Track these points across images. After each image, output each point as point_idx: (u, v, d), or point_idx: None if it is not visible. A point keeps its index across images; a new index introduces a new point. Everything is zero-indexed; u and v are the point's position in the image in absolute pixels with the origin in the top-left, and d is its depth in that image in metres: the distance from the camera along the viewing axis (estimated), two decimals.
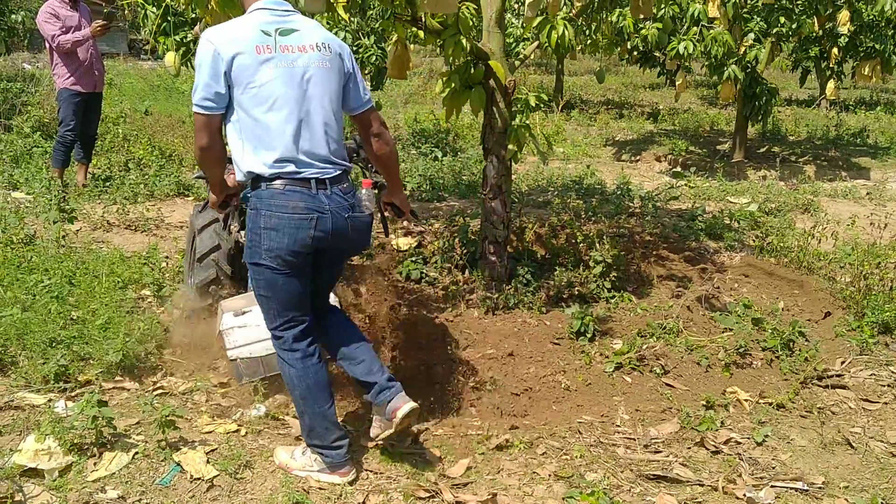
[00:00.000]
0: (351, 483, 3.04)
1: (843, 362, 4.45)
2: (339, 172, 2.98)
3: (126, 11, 9.67)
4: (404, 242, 5.85)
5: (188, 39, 7.93)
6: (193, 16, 8.10)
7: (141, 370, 3.81)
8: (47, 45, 6.98)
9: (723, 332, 4.63)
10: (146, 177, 7.45)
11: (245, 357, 3.53)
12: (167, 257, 5.22)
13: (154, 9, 7.58)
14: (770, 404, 3.96)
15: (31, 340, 3.72)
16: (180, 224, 6.31)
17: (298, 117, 2.88)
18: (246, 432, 3.38)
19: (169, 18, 7.73)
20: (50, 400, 3.41)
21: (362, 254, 5.32)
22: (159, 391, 3.66)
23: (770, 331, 4.55)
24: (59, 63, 6.90)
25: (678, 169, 10.43)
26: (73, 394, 3.51)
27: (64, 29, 6.84)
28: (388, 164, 3.27)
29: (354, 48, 9.37)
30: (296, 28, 2.93)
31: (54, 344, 3.73)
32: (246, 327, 3.57)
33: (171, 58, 3.87)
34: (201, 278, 4.19)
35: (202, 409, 3.55)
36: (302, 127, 2.89)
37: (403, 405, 3.03)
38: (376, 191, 3.31)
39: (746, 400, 4.00)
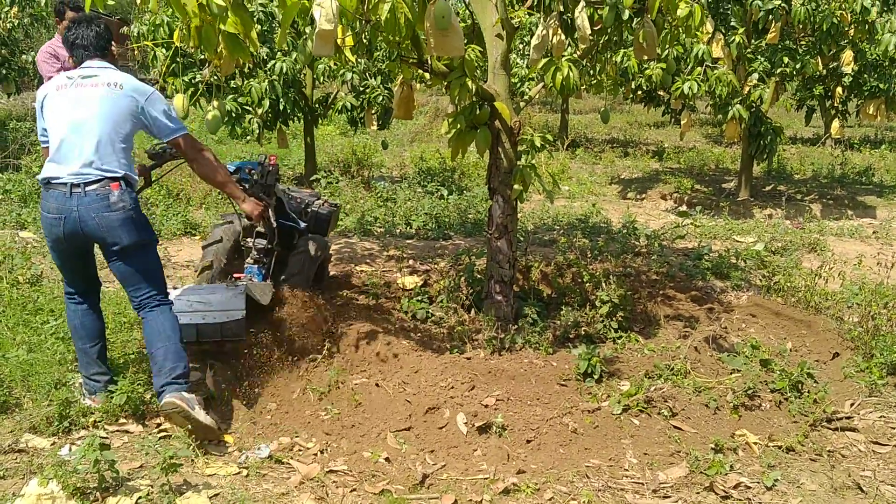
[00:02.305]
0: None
1: (852, 404, 4.41)
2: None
3: (136, 52, 9.81)
4: (410, 281, 5.84)
5: (196, 80, 8.04)
6: (202, 57, 8.23)
7: (145, 412, 3.79)
8: None
9: (731, 374, 4.59)
10: (153, 216, 7.48)
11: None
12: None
13: (164, 50, 7.70)
14: (779, 447, 3.91)
15: (36, 382, 3.71)
16: (187, 263, 6.32)
17: None
18: (249, 475, 3.35)
19: (178, 60, 7.84)
20: (53, 443, 3.39)
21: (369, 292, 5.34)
22: (162, 433, 3.64)
23: (778, 372, 4.51)
24: None
25: (684, 207, 10.44)
26: (76, 437, 3.49)
27: (62, 70, 6.87)
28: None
29: (361, 88, 9.47)
30: None
31: (59, 386, 3.72)
32: (187, 299, 4.13)
33: (179, 101, 3.91)
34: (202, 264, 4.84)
35: (205, 452, 3.52)
36: None
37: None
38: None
39: (755, 443, 3.96)
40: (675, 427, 4.08)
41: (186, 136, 3.77)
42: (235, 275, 4.67)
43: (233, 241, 4.91)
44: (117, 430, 3.60)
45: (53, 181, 3.53)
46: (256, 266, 4.66)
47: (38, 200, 7.79)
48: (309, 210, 5.29)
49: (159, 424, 3.73)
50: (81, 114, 3.54)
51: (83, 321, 3.79)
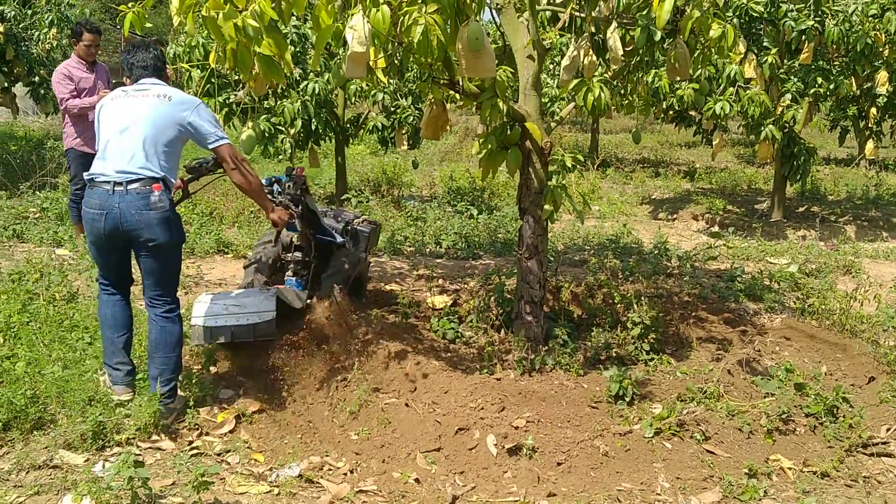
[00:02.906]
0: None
1: (888, 429, 4.33)
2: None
3: (171, 72, 9.97)
4: (439, 301, 5.85)
5: (230, 101, 8.15)
6: (236, 78, 8.34)
7: (177, 429, 3.82)
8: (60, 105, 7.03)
9: (764, 397, 4.53)
10: (187, 234, 7.56)
11: (197, 325, 4.35)
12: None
13: (199, 71, 7.81)
14: (814, 473, 3.85)
15: (71, 399, 3.76)
16: (219, 281, 6.38)
17: None
18: (280, 493, 3.36)
19: (213, 80, 7.95)
20: (87, 459, 3.43)
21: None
22: (194, 451, 3.66)
23: (813, 396, 4.45)
24: (69, 123, 6.99)
25: (716, 228, 10.36)
26: (110, 453, 3.52)
27: (76, 91, 6.94)
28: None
29: (392, 108, 9.53)
30: None
31: (93, 402, 3.76)
32: (202, 304, 4.45)
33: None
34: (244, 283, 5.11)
35: (237, 470, 3.54)
36: None
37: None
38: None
39: (790, 468, 3.90)
40: (707, 451, 4.03)
41: (229, 145, 4.01)
42: (276, 286, 4.87)
43: (271, 259, 5.17)
44: (150, 447, 3.63)
45: (98, 179, 3.81)
46: (295, 278, 4.96)
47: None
48: (349, 227, 5.48)
49: (191, 441, 3.76)
50: (128, 119, 3.86)
51: (113, 311, 4.04)
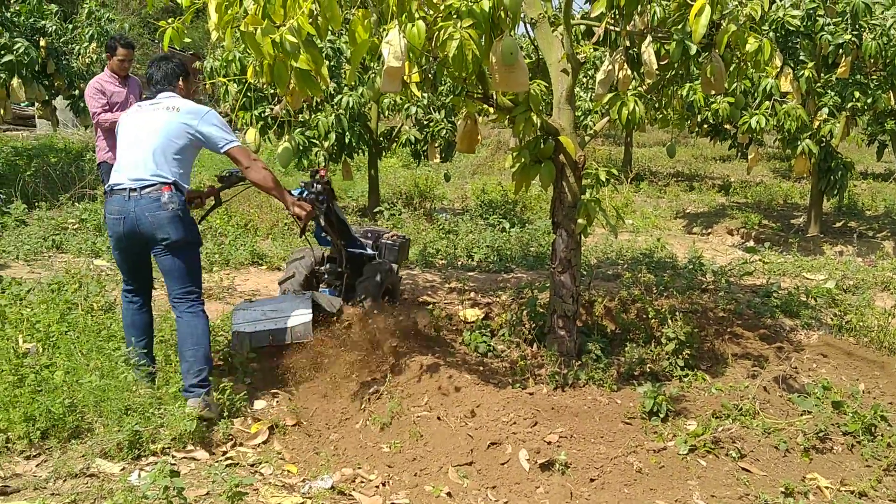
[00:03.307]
0: None
1: None
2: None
3: (207, 86, 10.12)
4: (471, 314, 5.84)
5: (266, 114, 8.25)
6: (272, 92, 8.45)
7: (212, 440, 3.85)
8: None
9: (801, 415, 4.46)
10: (222, 246, 7.65)
11: (237, 331, 4.55)
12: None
13: (235, 85, 7.92)
14: (852, 492, 3.79)
15: (108, 408, 3.80)
16: (253, 292, 6.44)
17: None
18: None
19: (249, 94, 8.06)
20: (123, 468, 3.47)
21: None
22: (228, 461, 3.69)
23: (851, 414, 4.38)
24: (101, 137, 7.09)
25: (751, 243, 10.25)
26: (145, 463, 3.56)
27: (108, 105, 7.03)
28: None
29: (425, 122, 9.58)
30: None
31: (129, 412, 3.81)
32: (241, 311, 4.69)
33: (251, 134, 4.05)
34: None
35: (270, 481, 3.56)
36: None
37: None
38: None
39: (827, 487, 3.84)
40: (743, 469, 3.98)
41: (238, 146, 4.18)
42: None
43: (305, 273, 5.32)
44: (185, 457, 3.66)
45: (116, 187, 4.05)
46: (329, 288, 5.19)
47: None
48: (379, 242, 5.64)
49: (225, 452, 3.79)
50: (142, 131, 4.12)
51: (133, 318, 4.30)
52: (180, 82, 4.35)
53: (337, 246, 5.22)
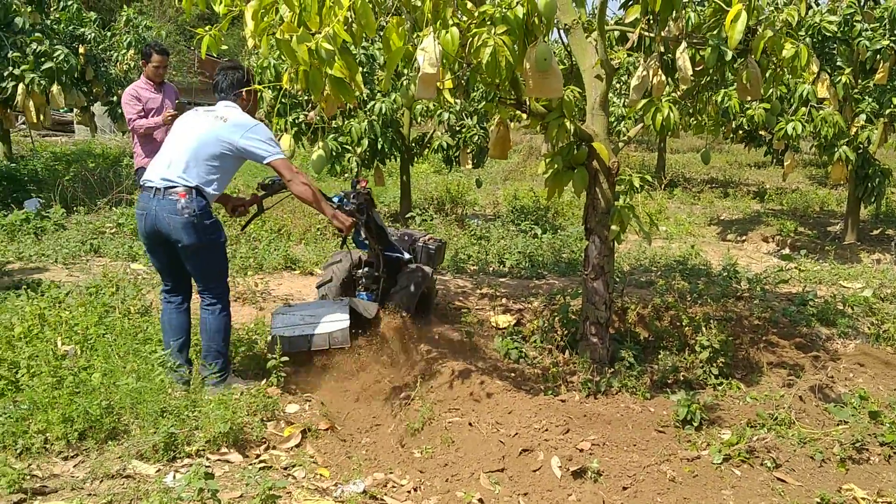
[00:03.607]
0: None
1: None
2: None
3: (242, 92, 10.22)
4: (503, 320, 5.83)
5: (300, 121, 8.31)
6: (305, 98, 8.52)
7: (245, 442, 3.88)
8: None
9: (837, 425, 4.40)
10: (255, 250, 7.72)
11: (276, 335, 4.58)
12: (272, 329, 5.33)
13: (269, 91, 7.99)
14: (888, 503, 3.71)
15: (144, 410, 3.85)
16: (287, 296, 6.48)
17: None
18: None
19: (283, 101, 8.13)
20: (159, 470, 3.51)
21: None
22: (262, 465, 3.71)
23: (888, 424, 4.31)
24: (138, 143, 7.18)
25: (787, 250, 10.13)
26: (180, 465, 3.60)
27: (144, 112, 7.12)
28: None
29: (457, 128, 9.60)
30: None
31: (165, 414, 3.85)
32: (280, 315, 4.77)
33: (286, 141, 4.10)
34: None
35: (302, 485, 3.58)
36: None
37: None
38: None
39: (863, 498, 3.78)
40: (778, 479, 3.93)
41: (282, 159, 4.29)
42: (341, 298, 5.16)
43: (343, 277, 5.41)
44: (219, 460, 3.69)
45: (146, 184, 4.23)
46: (366, 292, 5.25)
47: None
48: (416, 245, 5.71)
49: (258, 455, 3.82)
50: (184, 134, 4.30)
51: (170, 318, 4.45)
52: (243, 93, 4.46)
53: (375, 251, 5.29)
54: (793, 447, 4.16)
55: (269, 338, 4.76)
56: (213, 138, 4.23)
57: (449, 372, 4.66)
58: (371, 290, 5.27)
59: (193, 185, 4.17)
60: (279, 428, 4.11)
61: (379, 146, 8.93)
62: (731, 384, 4.84)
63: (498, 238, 8.98)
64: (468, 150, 9.75)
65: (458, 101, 9.02)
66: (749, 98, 4.90)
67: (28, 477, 3.34)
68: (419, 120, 10.06)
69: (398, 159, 10.22)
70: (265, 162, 4.26)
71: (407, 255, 5.53)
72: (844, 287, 7.55)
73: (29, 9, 9.88)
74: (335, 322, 4.66)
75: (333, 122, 8.91)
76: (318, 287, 5.47)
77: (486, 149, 9.60)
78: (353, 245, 5.43)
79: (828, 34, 8.82)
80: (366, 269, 5.30)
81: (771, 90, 7.66)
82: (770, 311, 5.97)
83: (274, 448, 3.93)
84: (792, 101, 9.02)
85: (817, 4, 9.25)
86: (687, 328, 5.33)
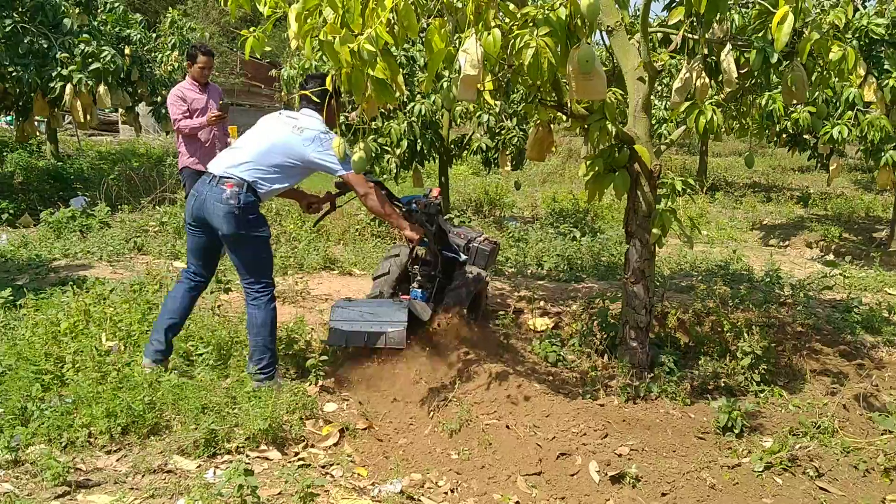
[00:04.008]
0: None
1: None
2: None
3: (283, 93, 10.32)
4: (541, 323, 5.81)
5: (341, 122, 8.35)
6: (348, 99, 8.55)
7: (284, 440, 3.91)
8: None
9: (882, 434, 4.31)
10: (295, 250, 7.79)
11: (335, 328, 4.76)
12: (312, 329, 5.38)
13: (318, 98, 8.04)
14: None
15: (185, 406, 3.91)
16: (326, 297, 6.53)
17: None
18: None
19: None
20: (199, 466, 3.55)
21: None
22: (300, 462, 3.74)
23: None
24: (182, 143, 7.27)
25: (831, 256, 9.95)
26: (220, 461, 3.64)
27: (189, 112, 7.20)
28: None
29: (497, 130, 9.58)
30: None
31: (206, 410, 3.90)
32: (340, 309, 4.88)
33: (337, 143, 4.10)
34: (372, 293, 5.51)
35: (340, 483, 3.60)
36: None
37: None
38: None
39: None
40: (820, 488, 3.85)
41: (350, 175, 4.39)
42: (402, 296, 5.32)
43: (398, 272, 5.54)
44: (258, 457, 3.73)
45: (209, 170, 4.42)
46: (420, 290, 5.32)
47: None
48: (471, 245, 5.71)
49: (297, 453, 3.85)
50: (260, 136, 4.46)
51: (174, 295, 4.58)
52: (327, 105, 4.49)
53: (434, 251, 5.38)
54: (836, 456, 4.08)
55: (329, 330, 4.85)
56: (284, 148, 4.37)
57: (486, 374, 4.65)
58: (425, 288, 5.35)
59: (248, 181, 4.30)
60: (317, 426, 4.14)
61: (418, 147, 8.94)
62: (773, 391, 4.77)
63: (536, 241, 8.95)
64: (507, 153, 9.72)
65: (497, 102, 9.02)
66: (795, 101, 4.82)
67: (72, 470, 3.41)
68: (458, 122, 10.05)
69: (437, 161, 10.23)
70: (337, 175, 4.47)
71: (463, 256, 5.58)
72: (890, 294, 7.40)
73: (77, 10, 10.07)
74: (393, 323, 4.75)
75: (373, 123, 8.94)
76: (375, 279, 5.61)
77: (525, 151, 9.57)
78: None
79: (875, 37, 8.63)
80: (422, 266, 5.41)
81: (817, 93, 7.55)
82: (813, 317, 5.87)
83: (312, 446, 3.96)
84: (838, 104, 8.85)
85: (864, 7, 9.07)
86: (728, 334, 5.26)
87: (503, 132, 9.56)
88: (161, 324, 4.48)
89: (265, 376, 4.35)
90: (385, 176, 9.03)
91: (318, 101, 4.39)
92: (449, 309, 5.19)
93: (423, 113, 8.56)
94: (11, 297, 5.33)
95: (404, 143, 8.69)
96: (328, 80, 3.62)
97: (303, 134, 4.37)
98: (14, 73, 8.74)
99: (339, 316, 4.84)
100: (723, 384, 4.79)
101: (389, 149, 8.86)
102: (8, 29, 8.61)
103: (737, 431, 4.20)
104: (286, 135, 4.39)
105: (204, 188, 4.33)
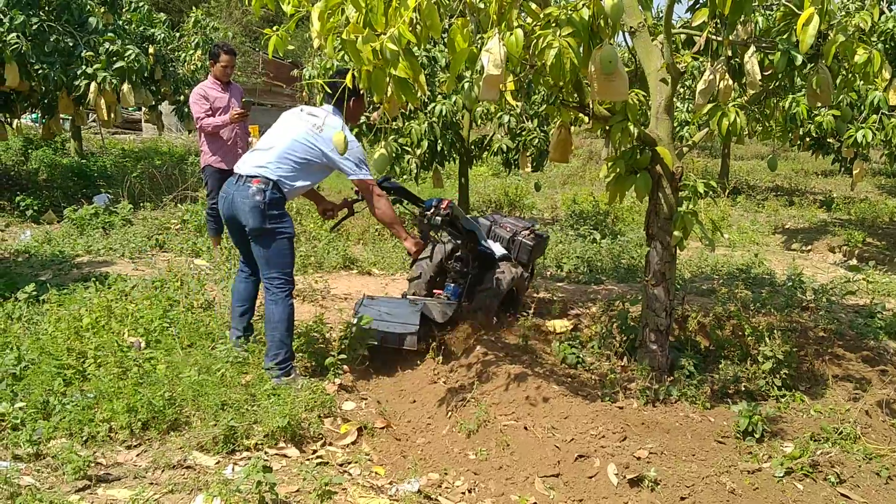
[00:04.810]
0: None
1: None
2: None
3: (304, 92, 10.36)
4: (560, 325, 5.79)
5: (361, 122, 8.37)
6: (368, 99, 8.58)
7: (303, 438, 3.93)
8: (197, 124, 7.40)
9: None
10: (315, 249, 7.81)
11: (353, 323, 4.90)
12: (331, 328, 5.40)
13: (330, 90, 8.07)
14: None
15: (205, 402, 3.93)
16: (345, 296, 6.55)
17: None
18: None
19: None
20: (218, 462, 3.57)
21: None
22: (318, 460, 3.75)
23: None
24: (205, 142, 7.32)
25: (854, 261, 9.85)
26: (239, 457, 3.66)
27: (211, 111, 7.25)
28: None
29: (517, 131, 9.57)
30: None
31: (225, 407, 3.92)
32: (362, 306, 5.17)
33: (339, 137, 4.15)
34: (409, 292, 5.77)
35: (358, 482, 3.60)
36: None
37: None
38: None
39: None
40: (842, 495, 3.81)
41: (362, 181, 4.58)
42: (436, 291, 5.65)
43: (430, 274, 5.73)
44: (276, 454, 3.75)
45: (236, 170, 4.60)
46: (453, 285, 5.55)
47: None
48: (515, 239, 5.81)
49: (315, 451, 3.86)
50: (282, 133, 4.61)
51: (237, 286, 4.88)
52: (349, 102, 4.63)
53: (466, 249, 5.53)
54: (858, 463, 4.03)
55: (353, 325, 4.95)
56: (305, 144, 4.52)
57: (505, 375, 4.64)
58: (458, 283, 5.56)
59: (273, 178, 4.45)
60: (336, 424, 4.16)
61: (438, 148, 8.95)
62: (794, 396, 4.73)
63: (556, 242, 8.93)
64: (528, 154, 9.70)
65: (518, 103, 9.01)
66: (819, 104, 4.78)
67: (93, 464, 3.44)
68: (479, 122, 10.05)
69: (457, 162, 10.24)
70: (349, 177, 4.58)
71: (500, 252, 5.66)
72: None
73: (102, 9, 10.16)
74: (406, 325, 4.91)
75: (394, 123, 8.96)
76: (410, 281, 5.81)
77: (545, 152, 9.55)
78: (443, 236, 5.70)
79: None
80: (456, 262, 5.60)
81: (841, 96, 7.47)
82: (836, 322, 5.82)
83: (330, 444, 3.97)
84: (862, 108, 8.77)
85: (890, 10, 8.98)
86: (749, 338, 5.22)
87: (524, 133, 9.54)
88: (234, 313, 4.84)
89: (282, 372, 4.44)
90: (405, 176, 9.05)
91: (340, 98, 4.42)
92: (476, 307, 5.35)
93: (443, 113, 8.57)
94: (35, 293, 5.38)
95: (424, 143, 8.70)
96: (348, 78, 3.65)
97: (322, 132, 4.50)
98: (40, 72, 8.83)
99: (360, 312, 5.02)
100: (743, 388, 4.75)
101: (410, 149, 8.87)
102: (35, 28, 8.70)
103: (757, 436, 4.16)
104: (306, 132, 4.53)
105: (231, 188, 4.51)
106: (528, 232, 5.89)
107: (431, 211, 5.08)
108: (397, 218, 4.80)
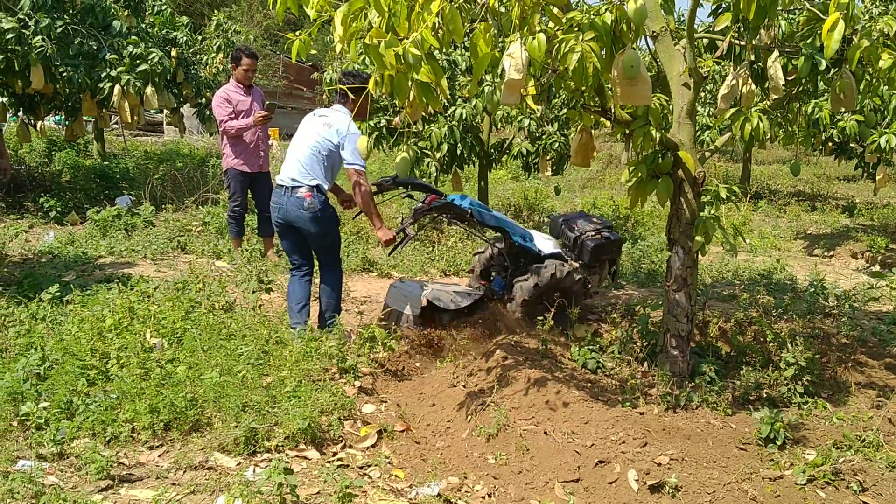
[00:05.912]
0: None
1: None
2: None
3: (325, 95, 10.40)
4: (580, 330, 5.77)
5: (381, 125, 8.41)
6: (385, 103, 8.61)
7: (323, 440, 3.94)
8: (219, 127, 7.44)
9: None
10: None
11: (390, 308, 5.62)
12: (350, 331, 5.41)
13: (352, 95, 8.09)
14: None
15: (226, 404, 3.95)
16: (364, 298, 6.57)
17: None
18: None
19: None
20: (239, 463, 3.59)
21: None
22: (339, 463, 3.76)
23: None
24: (227, 144, 7.36)
25: (877, 267, 9.75)
26: (260, 459, 3.67)
27: (234, 114, 7.29)
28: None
29: (538, 134, 9.56)
30: None
31: (246, 408, 3.94)
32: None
33: (363, 142, 4.21)
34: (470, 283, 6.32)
35: (378, 485, 3.61)
36: None
37: None
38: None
39: None
40: (864, 503, 3.77)
41: (354, 169, 5.12)
42: (481, 281, 6.20)
43: (481, 268, 6.29)
44: (297, 456, 3.76)
45: (278, 182, 5.22)
46: (498, 276, 6.05)
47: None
48: (579, 239, 5.93)
49: (335, 453, 3.87)
50: (303, 139, 5.21)
51: (293, 287, 5.45)
52: (353, 97, 4.99)
53: (506, 243, 5.91)
54: (881, 471, 3.99)
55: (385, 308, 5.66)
56: (321, 141, 5.12)
57: (524, 379, 4.63)
58: (501, 276, 6.01)
59: (315, 183, 5.09)
60: (356, 427, 4.17)
61: (458, 151, 8.95)
62: (816, 403, 4.69)
63: (366, 206, 8.90)
64: (548, 158, 9.69)
65: (539, 107, 9.00)
66: (843, 109, 4.74)
67: (115, 464, 3.47)
68: (499, 126, 10.05)
69: (476, 165, 10.23)
70: (345, 164, 5.16)
71: (551, 250, 5.79)
72: None
73: (126, 13, 10.25)
74: (410, 307, 5.54)
75: (414, 126, 8.97)
76: (469, 273, 6.41)
77: (566, 156, 9.53)
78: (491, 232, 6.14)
79: None
80: (499, 257, 6.06)
81: (865, 101, 7.40)
82: (859, 329, 5.76)
83: (350, 447, 3.98)
84: (886, 113, 8.68)
85: None
86: (771, 344, 5.18)
87: (544, 137, 9.53)
88: (294, 309, 5.37)
89: (331, 321, 5.16)
90: (424, 179, 9.05)
91: (350, 95, 4.91)
92: (509, 301, 5.59)
93: (463, 117, 8.57)
94: (59, 293, 5.44)
95: (444, 146, 8.71)
96: (371, 83, 3.68)
97: (331, 127, 5.11)
98: (65, 74, 8.92)
99: (391, 294, 5.72)
100: (765, 395, 4.72)
101: (430, 152, 8.88)
102: (59, 30, 8.78)
103: (779, 443, 4.13)
104: (319, 130, 5.14)
105: (282, 199, 5.13)
106: (594, 233, 5.94)
107: (422, 205, 5.49)
108: (374, 209, 5.28)
